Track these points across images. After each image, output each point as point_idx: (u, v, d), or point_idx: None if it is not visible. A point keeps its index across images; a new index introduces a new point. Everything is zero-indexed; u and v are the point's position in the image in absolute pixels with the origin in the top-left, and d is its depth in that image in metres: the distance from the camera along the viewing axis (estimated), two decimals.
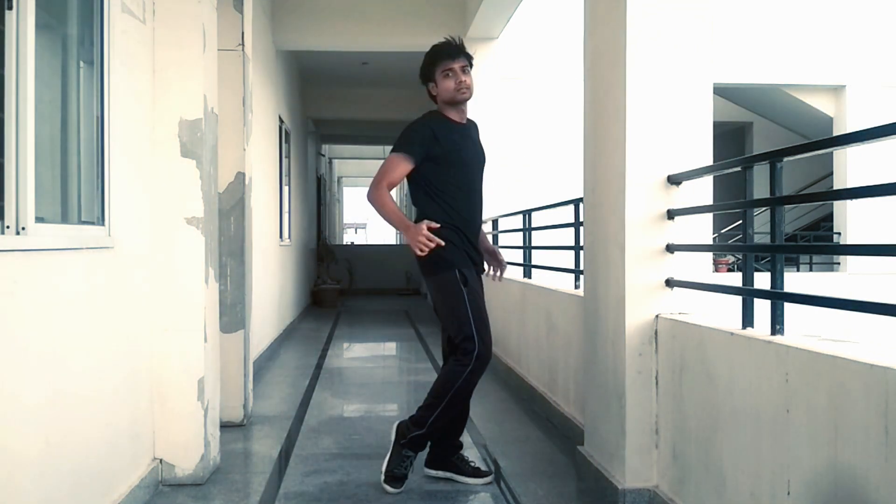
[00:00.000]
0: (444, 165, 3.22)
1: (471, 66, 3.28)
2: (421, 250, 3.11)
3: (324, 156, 16.27)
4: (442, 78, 3.21)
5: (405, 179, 3.29)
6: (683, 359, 2.72)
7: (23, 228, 2.12)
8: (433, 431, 3.26)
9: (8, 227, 2.06)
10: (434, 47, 3.25)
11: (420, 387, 5.73)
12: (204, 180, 3.32)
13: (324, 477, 3.44)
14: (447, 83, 3.20)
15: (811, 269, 12.88)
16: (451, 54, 3.20)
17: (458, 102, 3.25)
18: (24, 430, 2.12)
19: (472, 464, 3.42)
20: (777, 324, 2.27)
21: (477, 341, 3.18)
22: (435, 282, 3.25)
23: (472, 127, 3.41)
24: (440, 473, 3.41)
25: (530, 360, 5.23)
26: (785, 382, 2.07)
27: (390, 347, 8.23)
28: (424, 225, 3.13)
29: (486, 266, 3.51)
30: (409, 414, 4.99)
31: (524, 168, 10.38)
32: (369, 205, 3.30)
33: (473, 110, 8.24)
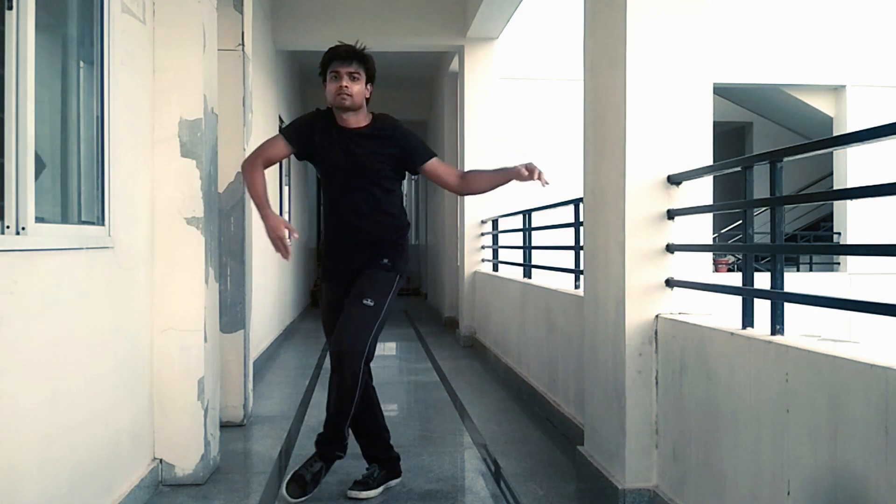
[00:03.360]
0: (319, 167, 3.23)
1: (368, 76, 3.16)
2: (275, 247, 3.08)
3: None
4: (329, 79, 3.13)
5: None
6: (683, 359, 2.72)
7: (23, 228, 2.11)
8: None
9: (8, 227, 2.06)
10: (331, 48, 3.17)
11: (420, 387, 5.74)
12: (204, 180, 3.32)
13: (325, 477, 3.44)
14: (331, 86, 3.12)
15: (811, 269, 12.88)
16: (343, 57, 3.10)
17: (337, 108, 3.14)
18: (24, 430, 2.12)
19: (297, 472, 3.16)
20: (777, 324, 2.27)
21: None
22: None
23: (374, 133, 3.19)
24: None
25: (530, 360, 5.23)
26: (785, 382, 2.07)
27: (390, 347, 8.23)
28: (283, 226, 3.06)
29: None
30: (408, 414, 5.02)
31: None
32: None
33: (473, 110, 8.29)
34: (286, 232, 3.05)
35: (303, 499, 3.09)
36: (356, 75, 3.11)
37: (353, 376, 3.03)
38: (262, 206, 3.12)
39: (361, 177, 3.17)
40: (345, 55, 3.11)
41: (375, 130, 3.20)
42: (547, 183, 3.14)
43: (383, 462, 3.30)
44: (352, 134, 3.17)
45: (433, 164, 3.26)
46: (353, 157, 3.16)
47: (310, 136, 3.18)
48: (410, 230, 3.38)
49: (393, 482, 3.31)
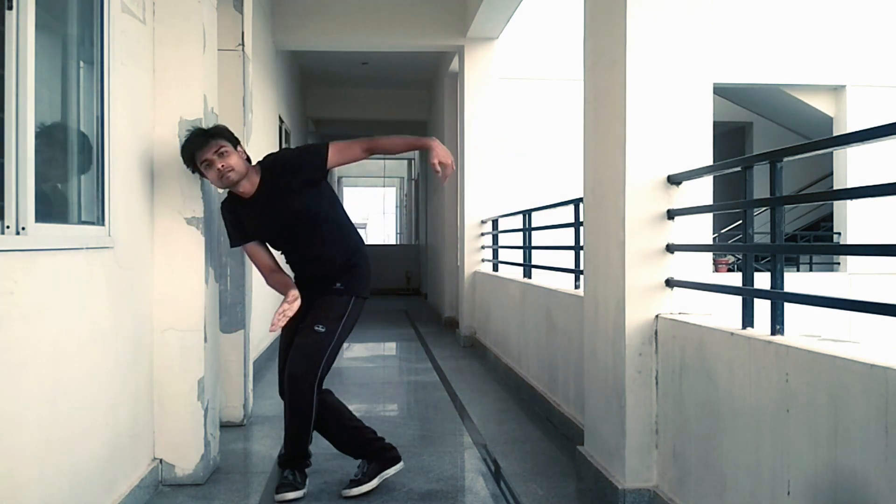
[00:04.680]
0: (256, 235, 3.23)
1: (233, 142, 3.07)
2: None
3: None
4: (204, 170, 3.06)
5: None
6: (683, 359, 2.72)
7: (23, 228, 2.11)
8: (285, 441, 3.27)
9: (8, 227, 2.06)
10: (185, 141, 3.08)
11: (420, 387, 5.74)
12: (204, 180, 3.32)
13: (324, 477, 3.44)
14: (210, 174, 3.05)
15: (811, 269, 12.87)
16: (200, 144, 3.02)
17: (228, 188, 3.12)
18: (25, 430, 2.12)
19: (285, 479, 3.20)
20: (777, 324, 2.27)
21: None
22: None
23: (273, 182, 3.14)
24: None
25: (530, 360, 5.23)
26: (785, 382, 2.07)
27: (390, 347, 8.23)
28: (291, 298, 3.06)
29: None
30: (408, 414, 5.02)
31: (524, 168, 10.38)
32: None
33: (473, 110, 8.27)
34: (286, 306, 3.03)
35: (300, 493, 3.15)
36: (224, 150, 3.02)
37: (307, 402, 3.12)
38: (290, 289, 3.10)
39: (295, 225, 3.17)
40: (201, 140, 3.03)
41: (271, 177, 3.14)
42: (442, 170, 3.15)
43: (371, 455, 3.31)
44: (257, 198, 3.14)
45: (332, 157, 3.18)
46: (275, 214, 3.14)
47: (235, 226, 3.21)
48: (365, 248, 3.37)
49: (391, 471, 3.30)
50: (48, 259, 2.27)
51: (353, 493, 3.19)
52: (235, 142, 3.10)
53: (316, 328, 3.14)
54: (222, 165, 3.01)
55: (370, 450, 3.32)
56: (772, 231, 2.36)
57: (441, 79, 10.15)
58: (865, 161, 10.83)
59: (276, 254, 3.32)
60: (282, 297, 3.07)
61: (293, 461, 3.23)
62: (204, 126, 3.21)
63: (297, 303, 3.02)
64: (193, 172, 3.14)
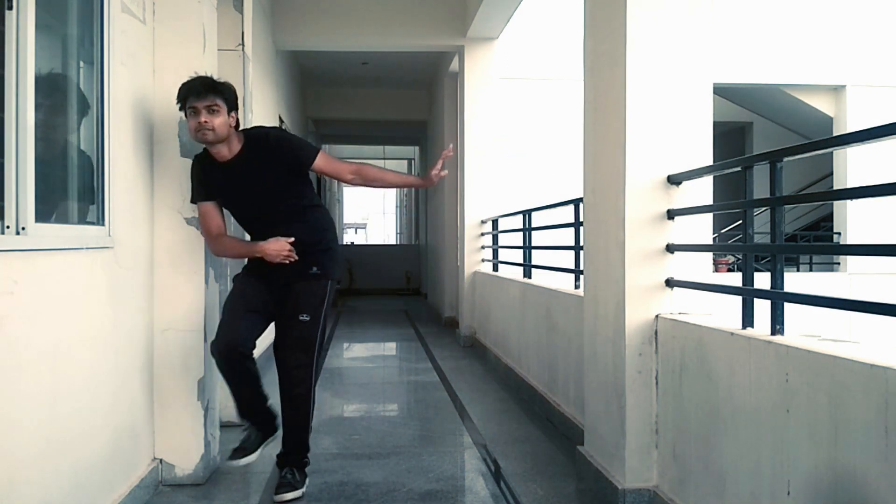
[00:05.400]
0: (225, 206, 3.18)
1: (229, 106, 3.02)
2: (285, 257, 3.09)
3: None
4: (189, 116, 3.00)
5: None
6: (683, 359, 2.72)
7: (23, 228, 2.11)
8: (243, 415, 3.27)
9: (8, 227, 2.06)
10: (185, 83, 3.02)
11: (420, 387, 5.74)
12: None
13: (324, 477, 3.44)
14: (190, 122, 2.99)
15: (811, 269, 12.87)
16: (198, 92, 2.96)
17: (203, 143, 3.04)
18: (25, 430, 2.12)
19: (285, 479, 3.21)
20: (777, 324, 2.27)
21: (216, 332, 3.15)
22: None
23: (252, 155, 3.10)
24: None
25: (530, 360, 5.23)
26: (785, 382, 2.07)
27: (390, 347, 8.23)
28: (280, 243, 3.07)
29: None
30: (408, 414, 5.02)
31: (524, 168, 10.38)
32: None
33: (473, 110, 8.27)
34: (286, 245, 3.08)
35: (299, 493, 3.18)
36: (215, 108, 2.97)
37: (309, 393, 3.19)
38: (251, 250, 3.13)
39: (263, 200, 3.12)
40: (200, 89, 2.97)
41: (252, 151, 3.10)
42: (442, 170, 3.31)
43: (261, 424, 3.27)
44: (232, 164, 3.08)
45: (319, 164, 3.16)
46: (245, 186, 3.10)
47: (201, 182, 3.13)
48: (335, 230, 3.34)
49: (269, 441, 3.30)
50: (48, 259, 2.27)
51: (241, 462, 3.20)
52: (233, 106, 3.06)
53: (302, 318, 3.13)
54: (204, 121, 2.95)
55: (262, 419, 3.28)
56: (772, 231, 2.36)
57: (441, 79, 10.15)
58: (865, 161, 10.83)
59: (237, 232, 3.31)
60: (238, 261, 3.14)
61: (291, 456, 3.23)
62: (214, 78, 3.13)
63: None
64: (181, 110, 3.07)
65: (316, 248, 3.19)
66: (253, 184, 3.10)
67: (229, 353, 3.07)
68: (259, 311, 3.16)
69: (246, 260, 3.27)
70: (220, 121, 2.99)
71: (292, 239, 3.09)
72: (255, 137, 3.15)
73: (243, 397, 3.21)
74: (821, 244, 13.09)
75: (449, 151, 3.32)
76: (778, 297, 2.28)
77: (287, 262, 3.08)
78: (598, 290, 3.26)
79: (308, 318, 3.13)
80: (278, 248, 3.07)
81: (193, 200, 3.19)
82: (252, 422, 3.25)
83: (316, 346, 3.17)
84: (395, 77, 11.32)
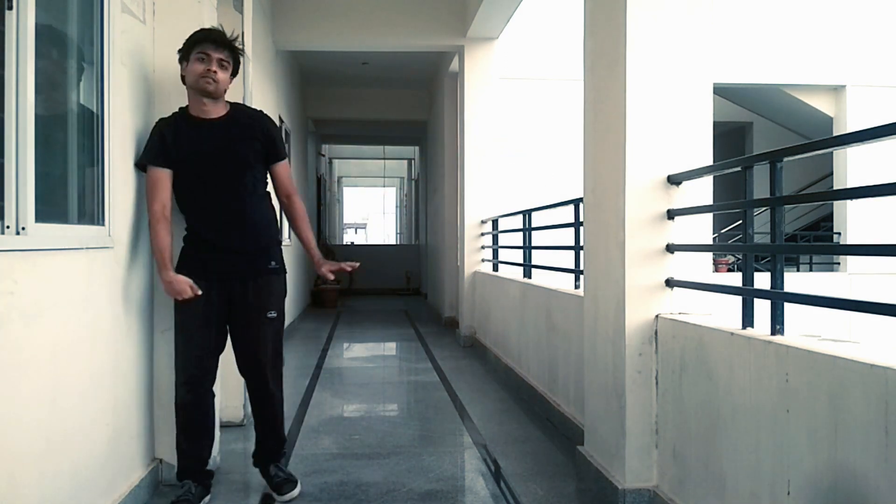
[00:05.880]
0: (178, 167, 2.96)
1: (234, 69, 3.03)
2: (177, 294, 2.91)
3: (324, 156, 16.28)
4: (195, 60, 2.92)
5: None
6: (683, 359, 2.72)
7: (23, 228, 2.11)
8: (182, 460, 3.07)
9: (8, 227, 2.06)
10: (203, 29, 3.01)
11: (420, 387, 5.74)
12: None
13: (324, 477, 3.44)
14: (197, 66, 2.92)
15: (811, 269, 12.88)
16: (214, 41, 2.93)
17: (200, 92, 2.95)
18: (25, 431, 2.12)
19: (279, 477, 3.18)
20: (777, 324, 2.27)
21: (175, 357, 3.03)
22: None
23: (236, 121, 3.04)
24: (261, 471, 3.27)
25: (530, 360, 5.23)
26: (785, 382, 2.07)
27: (390, 347, 8.23)
28: (186, 287, 2.90)
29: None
30: (408, 414, 5.02)
31: (524, 168, 10.39)
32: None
33: (473, 110, 8.29)
34: (188, 290, 2.91)
35: (299, 486, 3.20)
36: (225, 63, 2.97)
37: (280, 387, 3.21)
38: (163, 267, 2.91)
39: (229, 165, 2.99)
40: (218, 40, 2.96)
41: (237, 118, 3.05)
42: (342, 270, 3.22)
43: (201, 477, 3.11)
44: (213, 124, 3.00)
45: (282, 166, 3.15)
46: (218, 150, 2.99)
47: (164, 144, 2.95)
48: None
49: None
50: (48, 259, 2.27)
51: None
52: (236, 71, 3.07)
53: (269, 315, 3.07)
54: (213, 70, 2.92)
55: (205, 474, 3.15)
56: (772, 231, 2.36)
57: (441, 79, 10.15)
58: (865, 161, 10.83)
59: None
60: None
61: (275, 453, 3.24)
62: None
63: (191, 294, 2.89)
64: (180, 57, 2.98)
65: (272, 240, 3.13)
66: (226, 149, 2.98)
67: (197, 389, 3.01)
68: (213, 325, 3.03)
69: (180, 253, 3.05)
70: (224, 77, 2.99)
71: (200, 293, 2.92)
72: (244, 109, 3.18)
73: (202, 446, 3.10)
74: (821, 244, 13.08)
75: (350, 267, 3.18)
76: (778, 297, 2.28)
77: (194, 294, 2.91)
78: (598, 290, 3.26)
79: (275, 315, 3.08)
80: (181, 289, 2.90)
81: (149, 162, 2.94)
82: (195, 479, 3.06)
83: (282, 343, 3.18)
84: (395, 77, 11.32)
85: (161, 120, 3.03)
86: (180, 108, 3.06)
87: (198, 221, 3.03)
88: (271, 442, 3.25)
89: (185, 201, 3.04)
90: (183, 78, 3.03)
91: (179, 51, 3.02)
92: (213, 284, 3.00)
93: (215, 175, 3.00)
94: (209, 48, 2.94)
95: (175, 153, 2.96)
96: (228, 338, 3.13)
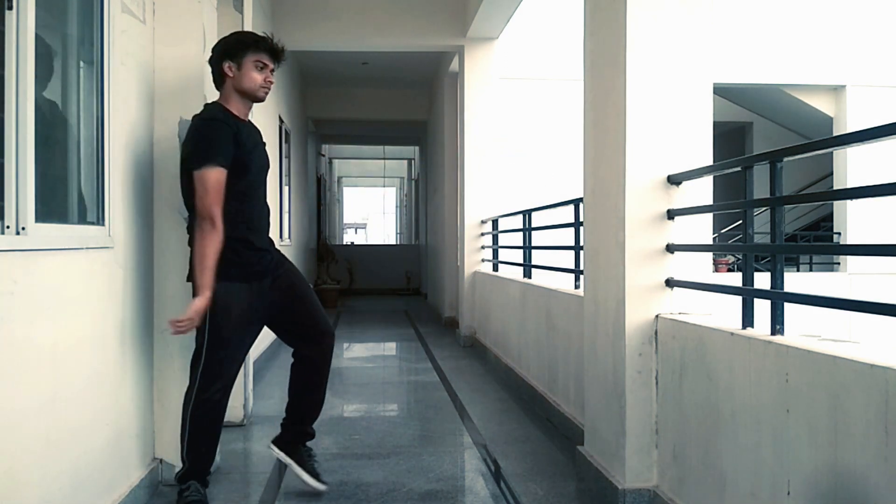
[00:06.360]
0: (245, 170, 2.90)
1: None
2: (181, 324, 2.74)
3: (324, 156, 16.28)
4: (254, 68, 2.92)
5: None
6: (683, 359, 2.72)
7: (23, 228, 2.11)
8: (194, 462, 2.93)
9: (8, 227, 2.06)
10: (254, 34, 3.02)
11: (420, 387, 5.74)
12: None
13: (324, 477, 3.44)
14: (257, 75, 2.92)
15: (811, 269, 12.87)
16: (272, 52, 2.96)
17: (256, 100, 2.99)
18: (25, 431, 2.12)
19: (315, 462, 3.25)
20: (777, 324, 2.27)
21: (204, 355, 2.88)
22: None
23: (255, 128, 3.11)
24: (281, 455, 3.25)
25: (530, 360, 5.23)
26: (785, 382, 2.07)
27: (390, 347, 8.23)
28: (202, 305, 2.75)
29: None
30: (408, 414, 5.02)
31: (524, 168, 10.39)
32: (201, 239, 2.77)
33: (473, 110, 8.29)
34: (194, 318, 2.76)
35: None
36: (273, 73, 3.03)
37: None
38: (207, 286, 2.75)
39: (268, 168, 3.16)
40: (278, 53, 3.00)
41: (253, 125, 3.12)
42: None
43: (203, 477, 3.03)
44: (251, 127, 3.05)
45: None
46: (264, 151, 3.09)
47: (236, 146, 2.87)
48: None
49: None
50: (48, 259, 2.27)
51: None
52: None
53: (310, 286, 3.30)
54: (272, 81, 2.99)
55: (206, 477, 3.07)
56: (772, 231, 2.36)
57: (441, 79, 10.16)
58: (865, 161, 10.83)
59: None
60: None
61: (313, 434, 3.30)
62: None
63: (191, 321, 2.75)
64: (222, 56, 2.93)
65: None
66: (266, 153, 3.14)
67: (229, 392, 2.98)
68: (256, 327, 3.12)
69: (223, 263, 2.83)
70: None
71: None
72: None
73: (217, 448, 3.07)
74: (821, 244, 13.09)
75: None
76: (778, 297, 2.28)
77: (178, 330, 2.75)
78: (598, 291, 3.26)
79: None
80: (199, 320, 2.79)
81: (224, 164, 2.79)
82: (201, 479, 2.98)
83: None
84: (395, 77, 11.32)
85: (217, 119, 2.87)
86: (218, 107, 2.94)
87: (249, 228, 2.95)
88: (315, 415, 3.28)
89: (239, 206, 2.89)
90: (222, 77, 2.95)
91: (222, 48, 2.95)
92: (254, 287, 2.97)
93: (262, 178, 3.08)
94: (267, 59, 2.96)
95: (243, 156, 2.89)
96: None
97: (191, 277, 2.85)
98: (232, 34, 3.09)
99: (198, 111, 3.04)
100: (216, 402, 2.93)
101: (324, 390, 3.27)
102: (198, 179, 2.78)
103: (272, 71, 3.00)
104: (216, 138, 2.82)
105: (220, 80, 2.98)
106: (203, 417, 2.91)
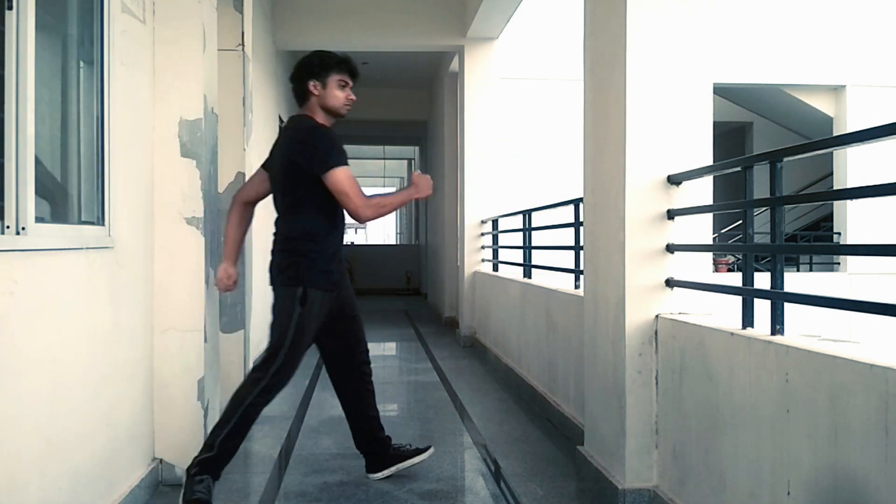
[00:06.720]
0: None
1: None
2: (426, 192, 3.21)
3: None
4: (338, 86, 3.14)
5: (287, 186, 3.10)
6: (683, 359, 2.72)
7: (23, 228, 2.11)
8: (223, 453, 2.99)
9: (8, 227, 2.06)
10: (338, 55, 3.19)
11: (420, 387, 5.74)
12: (204, 180, 3.32)
13: (324, 477, 3.44)
14: (340, 93, 3.14)
15: (811, 269, 12.87)
16: (353, 73, 3.19)
17: (339, 116, 3.19)
18: (24, 431, 2.12)
19: (409, 445, 3.53)
20: (777, 324, 2.27)
21: (283, 356, 3.04)
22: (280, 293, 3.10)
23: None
24: (389, 472, 3.41)
25: (530, 360, 5.23)
26: (785, 382, 2.07)
27: (390, 347, 8.23)
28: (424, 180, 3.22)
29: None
30: (409, 414, 5.02)
31: (524, 168, 10.39)
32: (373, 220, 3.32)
33: (473, 110, 8.27)
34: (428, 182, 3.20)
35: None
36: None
37: None
38: (408, 195, 3.29)
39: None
40: (357, 75, 3.21)
41: (285, 136, 3.26)
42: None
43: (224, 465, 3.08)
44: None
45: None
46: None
47: None
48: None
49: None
50: (48, 259, 2.27)
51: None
52: None
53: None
54: (352, 98, 3.19)
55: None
56: (772, 231, 2.36)
57: (441, 79, 10.15)
58: (865, 161, 10.84)
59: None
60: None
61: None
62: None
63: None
64: (309, 74, 3.14)
65: None
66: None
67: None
68: None
69: (317, 272, 3.08)
70: None
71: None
72: (292, 126, 3.27)
73: (239, 447, 3.09)
74: (821, 244, 13.10)
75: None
76: (778, 297, 2.28)
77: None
78: (598, 290, 3.26)
79: None
80: (427, 185, 3.25)
81: (346, 164, 3.08)
82: (215, 475, 3.01)
83: None
84: (395, 77, 11.32)
85: (326, 127, 3.13)
86: (311, 118, 3.14)
87: (337, 235, 3.20)
88: (378, 423, 3.47)
89: (331, 216, 3.12)
90: (306, 94, 3.15)
91: (307, 68, 3.14)
92: (330, 297, 3.17)
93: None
94: (349, 79, 3.17)
95: None
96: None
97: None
98: (314, 54, 3.20)
99: (198, 111, 3.17)
100: (267, 402, 3.09)
101: (374, 401, 3.48)
102: (337, 178, 3.00)
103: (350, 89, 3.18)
104: (339, 143, 3.08)
105: (304, 96, 3.18)
106: (253, 413, 3.05)
